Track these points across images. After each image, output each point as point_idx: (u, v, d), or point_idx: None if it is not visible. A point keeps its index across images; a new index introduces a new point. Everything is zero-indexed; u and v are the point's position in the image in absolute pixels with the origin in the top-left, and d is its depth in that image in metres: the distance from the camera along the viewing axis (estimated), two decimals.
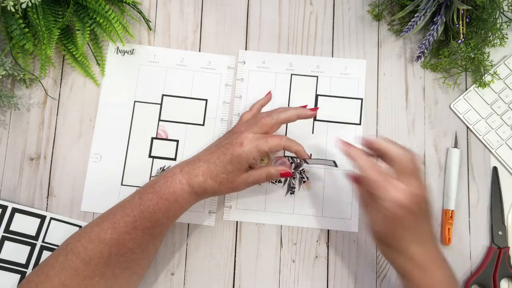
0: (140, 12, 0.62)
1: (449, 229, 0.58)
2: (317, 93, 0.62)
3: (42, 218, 0.57)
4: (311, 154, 0.60)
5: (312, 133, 0.61)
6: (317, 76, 0.63)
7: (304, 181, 0.60)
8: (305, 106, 0.59)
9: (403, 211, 0.42)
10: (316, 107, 0.56)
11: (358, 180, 0.48)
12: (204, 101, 0.62)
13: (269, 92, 0.60)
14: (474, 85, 0.62)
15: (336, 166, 0.54)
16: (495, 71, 0.62)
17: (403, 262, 0.45)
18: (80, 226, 0.58)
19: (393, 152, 0.44)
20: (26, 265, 0.56)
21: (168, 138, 0.61)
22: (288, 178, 0.60)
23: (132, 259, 0.48)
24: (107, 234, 0.46)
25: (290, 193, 0.60)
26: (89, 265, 0.46)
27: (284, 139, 0.50)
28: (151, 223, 0.48)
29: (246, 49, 0.63)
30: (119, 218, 0.47)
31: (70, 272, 0.45)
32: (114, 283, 0.48)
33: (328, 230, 0.59)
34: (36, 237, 0.57)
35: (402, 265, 0.45)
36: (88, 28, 0.59)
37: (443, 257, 0.46)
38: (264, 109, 0.61)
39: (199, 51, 0.63)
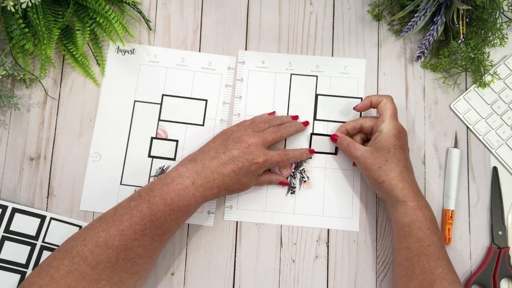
0: (140, 12, 0.62)
1: (449, 229, 0.58)
2: (317, 92, 0.62)
3: (42, 218, 0.57)
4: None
5: (312, 132, 0.61)
6: (316, 76, 0.63)
7: (305, 181, 0.60)
8: (296, 117, 0.61)
9: (392, 140, 0.52)
10: (306, 121, 0.61)
11: (339, 135, 0.58)
12: (204, 101, 0.62)
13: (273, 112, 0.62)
14: (474, 85, 0.62)
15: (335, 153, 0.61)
16: (495, 71, 0.62)
17: (384, 195, 0.53)
18: (80, 226, 0.58)
19: (375, 100, 0.56)
20: (26, 265, 0.56)
21: (168, 138, 0.61)
22: (289, 178, 0.60)
23: (140, 264, 0.49)
24: (115, 240, 0.46)
25: (291, 193, 0.60)
26: (96, 269, 0.46)
27: (291, 158, 0.56)
28: (161, 231, 0.49)
29: (246, 49, 0.63)
30: (127, 225, 0.47)
31: (76, 275, 0.45)
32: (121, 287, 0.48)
33: (328, 230, 0.59)
34: (36, 237, 0.57)
35: (383, 197, 0.54)
36: (88, 28, 0.59)
37: (423, 197, 0.53)
38: (263, 110, 0.61)
39: (199, 51, 0.63)
